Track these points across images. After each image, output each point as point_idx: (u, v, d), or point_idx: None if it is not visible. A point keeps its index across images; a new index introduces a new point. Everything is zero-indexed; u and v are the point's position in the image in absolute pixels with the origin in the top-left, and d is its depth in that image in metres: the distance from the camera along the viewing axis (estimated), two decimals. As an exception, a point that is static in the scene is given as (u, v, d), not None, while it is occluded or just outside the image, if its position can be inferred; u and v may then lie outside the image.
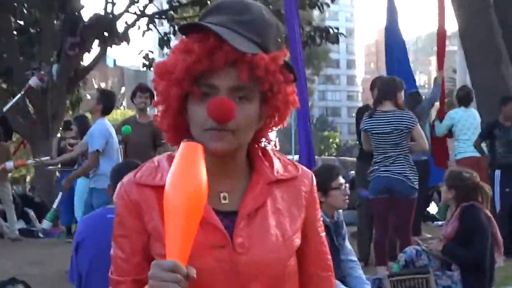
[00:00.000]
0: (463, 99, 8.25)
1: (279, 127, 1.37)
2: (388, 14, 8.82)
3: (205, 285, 1.26)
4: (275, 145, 1.40)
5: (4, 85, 12.63)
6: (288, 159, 1.42)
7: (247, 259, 1.27)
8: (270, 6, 11.25)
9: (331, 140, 50.12)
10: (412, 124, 5.86)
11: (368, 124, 5.99)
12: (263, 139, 1.36)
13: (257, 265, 1.28)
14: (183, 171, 1.16)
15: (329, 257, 1.46)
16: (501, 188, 7.29)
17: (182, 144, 1.19)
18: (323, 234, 1.43)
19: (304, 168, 1.43)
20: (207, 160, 1.21)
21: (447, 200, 5.30)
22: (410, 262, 5.19)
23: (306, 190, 1.37)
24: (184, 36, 1.26)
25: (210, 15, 1.24)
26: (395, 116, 5.86)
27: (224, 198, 1.31)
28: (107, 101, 6.17)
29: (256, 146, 1.35)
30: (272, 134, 1.39)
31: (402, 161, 5.84)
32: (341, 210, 4.60)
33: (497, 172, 7.39)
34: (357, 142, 8.32)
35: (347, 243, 4.62)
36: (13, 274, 5.53)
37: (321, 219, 1.62)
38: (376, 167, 6.01)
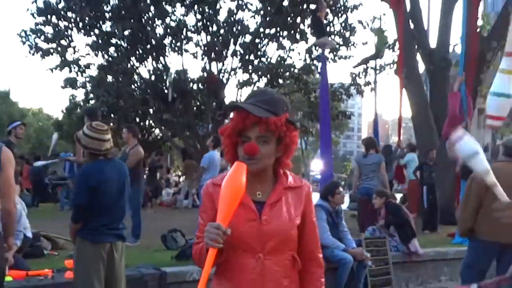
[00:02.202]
0: (413, 149, 13.49)
1: (291, 156, 2.22)
2: (375, 107, 16.36)
3: (243, 241, 2.09)
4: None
5: (187, 132, 19.67)
6: (297, 176, 2.31)
7: (268, 228, 2.11)
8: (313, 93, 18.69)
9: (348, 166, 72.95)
10: (381, 161, 9.53)
11: (361, 159, 9.73)
12: (284, 165, 2.21)
13: (273, 231, 2.11)
14: (231, 176, 2.00)
15: (317, 232, 2.31)
16: (426, 195, 11.51)
17: (235, 163, 2.05)
18: (314, 219, 2.26)
19: (306, 181, 2.30)
20: (250, 175, 2.04)
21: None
22: (373, 232, 7.75)
23: (305, 194, 2.24)
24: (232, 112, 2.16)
25: (247, 99, 2.15)
26: (374, 156, 9.53)
27: (259, 194, 2.17)
28: (217, 141, 9.71)
29: (279, 167, 2.21)
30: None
31: (375, 179, 9.43)
32: (342, 205, 6.93)
33: (425, 187, 11.57)
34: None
35: (343, 221, 6.86)
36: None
37: (323, 209, 5.81)
38: (361, 182, 9.58)
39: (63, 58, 18.43)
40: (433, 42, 14.54)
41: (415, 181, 12.05)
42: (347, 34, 19.23)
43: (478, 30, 12.70)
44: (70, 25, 18.18)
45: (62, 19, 18.00)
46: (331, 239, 6.52)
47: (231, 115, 2.15)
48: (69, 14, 17.79)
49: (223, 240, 1.89)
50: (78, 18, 17.68)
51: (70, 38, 18.50)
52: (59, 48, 18.29)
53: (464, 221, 5.41)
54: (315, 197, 8.04)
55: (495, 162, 5.60)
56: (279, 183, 2.19)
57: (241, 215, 2.05)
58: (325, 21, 15.55)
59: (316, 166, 44.72)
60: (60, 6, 17.67)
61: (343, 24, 19.20)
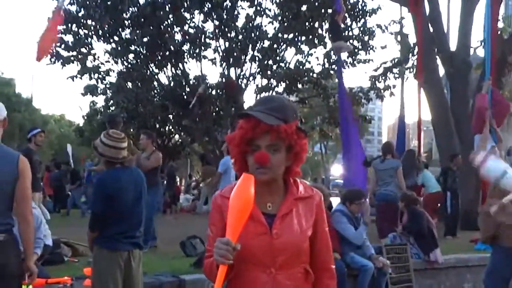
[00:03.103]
0: (426, 166, 13.26)
1: (301, 164, 2.15)
2: (400, 110, 16.15)
3: (254, 256, 2.02)
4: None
5: (206, 138, 19.76)
6: (308, 185, 2.23)
7: (278, 242, 2.03)
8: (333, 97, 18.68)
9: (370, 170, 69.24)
10: (398, 166, 9.18)
11: (378, 165, 9.43)
12: (294, 173, 2.13)
13: (284, 245, 2.03)
14: (239, 189, 1.93)
15: (329, 242, 2.23)
16: (450, 201, 11.39)
17: (243, 175, 1.98)
18: (327, 229, 2.20)
19: (317, 190, 2.23)
20: (259, 185, 1.98)
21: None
22: (394, 239, 7.74)
23: (316, 204, 2.17)
24: (241, 119, 2.07)
25: (254, 106, 2.10)
26: (391, 162, 9.28)
27: (269, 206, 2.10)
28: None
29: (290, 177, 2.14)
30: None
31: (392, 184, 9.13)
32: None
33: (448, 193, 11.51)
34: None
35: (362, 227, 6.67)
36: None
37: (342, 213, 5.96)
38: (379, 188, 9.32)
39: (83, 66, 18.58)
40: (453, 45, 14.40)
41: (434, 194, 11.88)
42: (366, 38, 19.10)
43: (499, 32, 12.56)
44: (90, 33, 18.34)
45: (82, 27, 18.16)
46: (360, 235, 6.50)
47: (238, 123, 2.09)
48: (89, 22, 17.96)
49: (233, 256, 1.85)
50: (98, 26, 17.83)
51: (90, 45, 18.67)
52: (79, 56, 18.45)
53: (487, 228, 5.31)
54: (335, 202, 8.09)
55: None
56: (289, 194, 2.14)
57: (251, 229, 2.00)
58: (343, 25, 15.60)
59: (336, 170, 44.54)
60: (80, 14, 17.83)
61: (361, 28, 19.09)
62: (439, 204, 12.09)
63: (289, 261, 2.05)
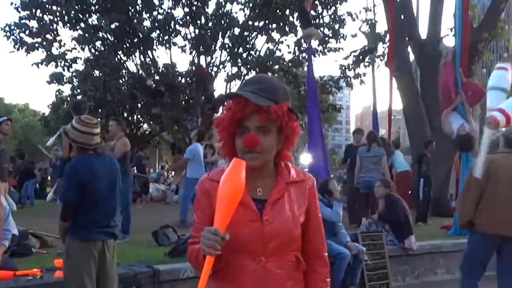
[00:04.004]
0: (396, 145, 12.90)
1: (292, 147, 2.04)
2: (373, 99, 16.26)
3: (243, 243, 1.92)
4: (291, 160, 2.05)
5: (175, 127, 19.77)
6: (299, 169, 2.13)
7: (269, 229, 1.94)
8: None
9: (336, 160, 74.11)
10: (383, 154, 9.74)
11: (364, 152, 9.86)
12: (285, 157, 2.03)
13: (275, 232, 1.94)
14: (229, 175, 1.82)
15: (322, 229, 2.13)
16: (423, 187, 11.35)
17: (233, 160, 1.87)
18: (320, 215, 2.13)
19: (309, 175, 2.13)
20: (249, 170, 1.87)
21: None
22: (369, 226, 7.71)
23: (309, 188, 2.07)
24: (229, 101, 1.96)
25: (242, 86, 1.98)
26: (376, 150, 9.78)
27: (259, 191, 1.99)
28: (201, 134, 10.73)
29: (280, 160, 2.04)
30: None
31: (375, 171, 9.51)
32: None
33: (422, 180, 11.43)
34: (342, 162, 13.22)
35: (337, 205, 6.66)
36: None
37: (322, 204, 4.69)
38: (362, 175, 9.77)
39: (48, 53, 18.10)
40: (423, 33, 14.50)
41: (403, 172, 11.92)
42: (336, 26, 19.09)
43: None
44: (55, 19, 17.88)
45: (47, 13, 17.69)
46: (336, 213, 6.53)
47: (220, 109, 1.96)
48: (54, 7, 17.48)
49: (221, 246, 1.75)
50: (63, 12, 17.37)
51: (55, 32, 18.19)
52: (44, 43, 17.97)
53: (464, 213, 5.33)
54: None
55: (495, 153, 5.52)
56: (280, 178, 2.03)
57: (241, 216, 1.90)
58: (314, 13, 15.56)
59: (305, 159, 44.45)
60: (44, -1, 17.35)
61: (332, 16, 19.07)
62: (409, 188, 12.11)
63: (280, 248, 1.96)
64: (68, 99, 22.55)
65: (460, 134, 9.04)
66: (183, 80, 19.97)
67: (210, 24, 18.42)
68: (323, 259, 2.14)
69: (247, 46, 19.14)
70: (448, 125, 9.51)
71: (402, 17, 14.30)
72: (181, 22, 18.29)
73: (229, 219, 1.78)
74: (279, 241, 1.95)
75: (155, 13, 18.10)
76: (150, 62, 19.19)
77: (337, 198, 6.70)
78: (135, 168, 16.78)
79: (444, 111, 9.74)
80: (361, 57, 18.82)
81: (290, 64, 19.73)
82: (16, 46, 17.63)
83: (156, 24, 17.91)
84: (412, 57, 15.02)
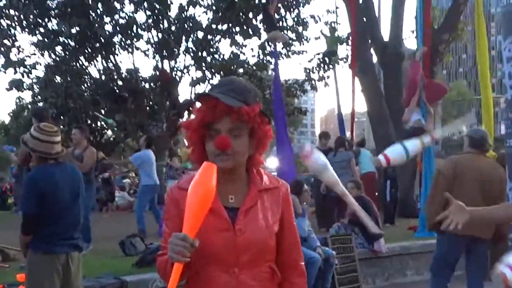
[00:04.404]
0: (362, 144, 13.04)
1: (264, 152, 1.97)
2: (337, 101, 16.37)
3: (215, 254, 1.84)
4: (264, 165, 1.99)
5: (140, 133, 18.82)
6: (273, 175, 2.07)
7: (242, 239, 1.85)
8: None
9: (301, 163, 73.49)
10: (351, 158, 10.09)
11: (331, 158, 8.94)
12: (257, 162, 1.96)
13: (248, 243, 1.86)
14: (199, 179, 1.73)
15: (298, 238, 2.05)
16: (389, 189, 11.61)
17: (203, 164, 1.78)
18: (294, 223, 2.05)
19: (283, 181, 2.06)
20: (220, 175, 1.78)
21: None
22: (338, 229, 7.74)
23: (282, 195, 2.00)
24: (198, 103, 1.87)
25: (212, 89, 1.92)
26: (343, 154, 10.06)
27: (231, 198, 1.92)
28: (150, 140, 10.55)
29: (252, 167, 1.97)
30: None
31: (344, 175, 8.93)
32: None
33: (388, 181, 11.73)
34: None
35: (307, 219, 6.89)
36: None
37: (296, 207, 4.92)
38: None
39: (7, 59, 17.59)
40: (385, 35, 14.62)
41: (368, 174, 11.82)
42: (300, 29, 19.09)
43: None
44: (13, 24, 17.37)
45: (4, 18, 17.18)
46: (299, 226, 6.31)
47: (186, 113, 1.85)
48: (12, 12, 17.00)
49: (191, 253, 1.68)
50: (21, 16, 16.90)
51: (14, 37, 17.67)
52: (2, 48, 17.45)
53: (432, 215, 5.34)
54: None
55: (461, 153, 5.55)
56: (253, 185, 1.96)
57: (212, 224, 1.83)
58: (277, 16, 15.52)
59: (272, 163, 44.42)
60: (1, 4, 16.87)
61: (295, 19, 19.05)
62: (375, 189, 12.15)
63: (253, 259, 1.89)
64: (29, 106, 21.95)
65: (414, 126, 9.09)
66: (147, 85, 19.58)
67: (173, 28, 18.18)
68: (299, 268, 2.06)
69: (211, 49, 18.94)
70: (408, 115, 9.52)
71: (364, 19, 14.40)
72: (143, 26, 18.02)
73: (199, 225, 1.71)
74: (252, 252, 1.88)
75: (116, 17, 17.76)
76: (113, 67, 18.82)
77: (298, 213, 6.46)
78: (100, 177, 16.48)
79: (410, 104, 9.60)
80: (325, 59, 18.88)
81: (254, 67, 19.61)
82: (-28, 52, 17.10)
83: (118, 28, 17.54)
84: (375, 58, 15.14)
